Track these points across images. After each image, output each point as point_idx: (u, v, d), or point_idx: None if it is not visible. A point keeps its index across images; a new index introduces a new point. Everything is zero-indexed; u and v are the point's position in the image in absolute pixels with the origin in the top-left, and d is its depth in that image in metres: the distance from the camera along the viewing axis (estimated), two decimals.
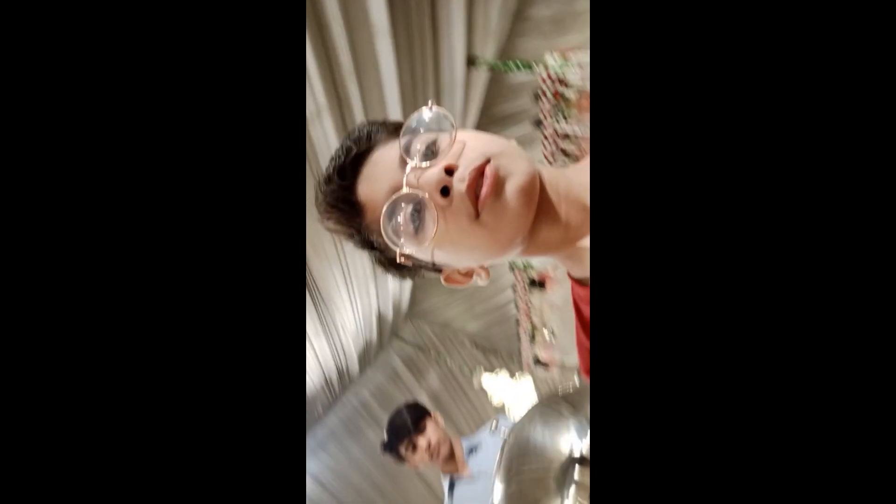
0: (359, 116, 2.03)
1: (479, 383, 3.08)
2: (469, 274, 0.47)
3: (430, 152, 0.40)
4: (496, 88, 3.02)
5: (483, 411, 3.61)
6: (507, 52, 2.92)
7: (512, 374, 3.07)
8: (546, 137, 2.79)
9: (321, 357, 2.66)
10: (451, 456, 1.20)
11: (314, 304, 2.24)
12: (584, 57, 2.64)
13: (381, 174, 0.41)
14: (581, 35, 3.05)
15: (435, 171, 0.39)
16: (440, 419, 1.28)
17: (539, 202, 0.40)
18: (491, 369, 3.21)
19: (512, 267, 3.01)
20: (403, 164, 0.40)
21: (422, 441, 1.20)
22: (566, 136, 2.79)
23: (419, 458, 1.20)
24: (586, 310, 0.46)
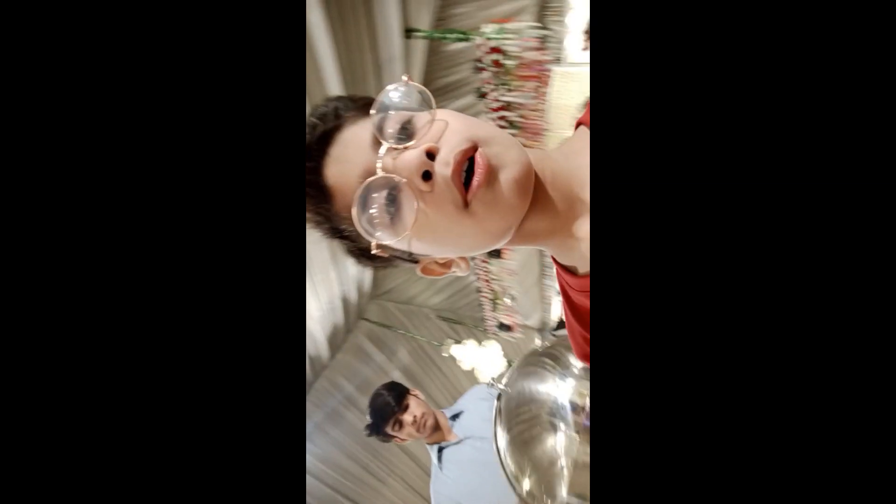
0: None
1: (449, 353, 3.23)
2: (448, 264, 0.44)
3: (406, 132, 0.36)
4: (435, 60, 3.02)
5: (456, 380, 3.80)
6: (442, 22, 2.90)
7: (479, 341, 3.25)
8: (490, 109, 2.85)
9: None
10: (437, 426, 1.29)
11: None
12: (521, 25, 2.70)
13: (352, 156, 0.37)
14: (514, 3, 3.09)
15: (415, 154, 0.35)
16: (420, 394, 1.36)
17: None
18: (459, 339, 3.36)
19: None
20: (377, 144, 0.36)
21: (407, 417, 1.26)
22: (509, 106, 2.87)
23: (406, 433, 1.27)
24: (575, 296, 0.43)
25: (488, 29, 2.64)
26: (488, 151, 0.35)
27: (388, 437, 1.31)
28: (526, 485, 0.56)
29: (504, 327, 3.77)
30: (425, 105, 0.37)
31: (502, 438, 0.59)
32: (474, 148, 0.35)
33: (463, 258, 0.44)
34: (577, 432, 0.52)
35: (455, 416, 1.33)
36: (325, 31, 2.03)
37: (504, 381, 0.64)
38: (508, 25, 2.62)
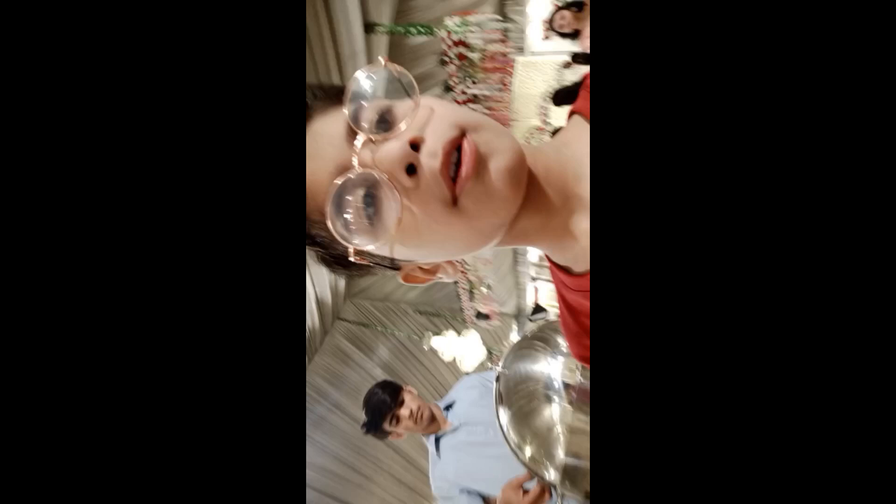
0: None
1: (430, 346, 3.31)
2: (433, 270, 0.40)
3: (385, 122, 0.33)
4: (398, 54, 3.04)
5: (437, 372, 3.89)
6: (403, 15, 2.93)
7: (458, 332, 3.35)
8: (457, 102, 2.92)
9: None
10: (433, 418, 1.37)
11: None
12: (482, 17, 2.77)
13: (323, 150, 0.33)
14: None
15: (396, 146, 0.31)
16: (413, 389, 1.43)
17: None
18: (438, 331, 3.44)
19: None
20: (352, 136, 0.32)
21: (404, 412, 1.32)
22: (475, 98, 2.94)
23: (403, 427, 1.33)
24: (571, 296, 0.41)
25: (451, 22, 2.70)
26: (477, 138, 0.32)
27: (385, 434, 1.38)
28: (528, 451, 0.64)
29: (482, 316, 3.89)
30: (406, 91, 0.33)
31: (504, 415, 0.67)
32: (462, 135, 0.32)
33: (450, 262, 0.41)
34: (570, 403, 0.61)
35: (448, 407, 1.41)
36: None
37: (500, 364, 0.73)
38: (471, 18, 2.69)
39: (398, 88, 0.34)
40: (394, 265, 0.38)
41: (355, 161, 0.32)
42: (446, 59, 2.85)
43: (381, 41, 2.88)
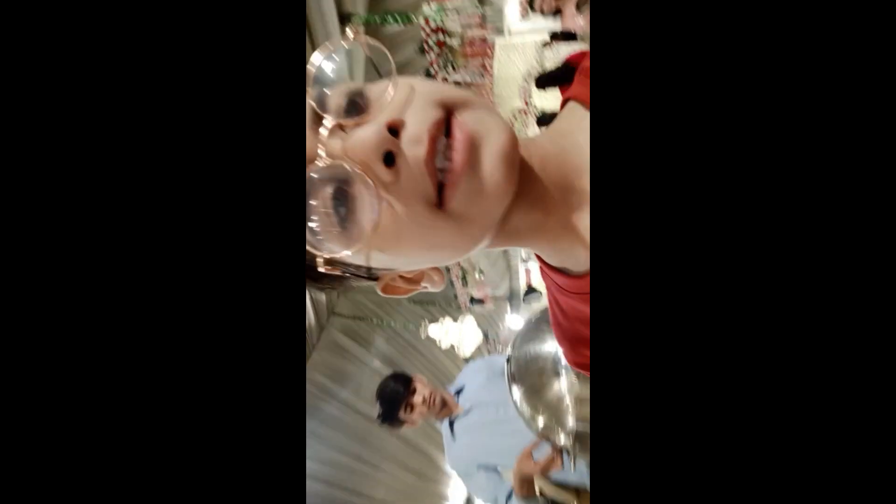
0: None
1: (426, 335, 3.41)
2: (417, 279, 0.36)
3: (356, 106, 0.29)
4: None
5: (436, 360, 4.01)
6: (379, 4, 2.93)
7: (454, 318, 3.45)
8: None
9: None
10: (444, 403, 1.47)
11: None
12: (460, 2, 2.79)
13: None
14: None
15: (371, 131, 0.27)
16: (423, 378, 1.53)
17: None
18: (434, 319, 3.54)
19: None
20: (317, 123, 0.28)
21: (417, 398, 1.42)
22: (458, 85, 2.98)
23: (417, 414, 1.43)
24: (567, 300, 0.38)
25: (428, 8, 2.72)
26: (467, 118, 0.28)
27: (400, 423, 1.47)
28: (540, 422, 0.74)
29: (476, 301, 4.00)
30: (377, 71, 0.30)
31: (517, 392, 0.76)
32: (449, 115, 0.28)
33: (436, 269, 0.36)
34: (577, 375, 0.71)
35: (458, 392, 1.51)
36: None
37: (510, 349, 0.82)
38: (448, 3, 2.71)
39: (370, 68, 0.30)
40: (371, 275, 0.34)
41: (322, 152, 0.27)
42: (426, 46, 2.88)
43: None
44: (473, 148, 0.27)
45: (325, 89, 0.29)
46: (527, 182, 0.31)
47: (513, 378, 0.78)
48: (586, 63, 0.37)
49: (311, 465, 3.29)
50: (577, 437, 0.71)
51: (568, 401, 0.71)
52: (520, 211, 0.31)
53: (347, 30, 0.31)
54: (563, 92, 0.39)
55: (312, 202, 0.28)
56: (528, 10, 2.55)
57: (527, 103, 3.27)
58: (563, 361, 0.73)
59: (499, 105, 3.29)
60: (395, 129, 0.27)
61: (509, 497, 1.30)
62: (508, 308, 4.17)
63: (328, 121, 0.28)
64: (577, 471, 0.96)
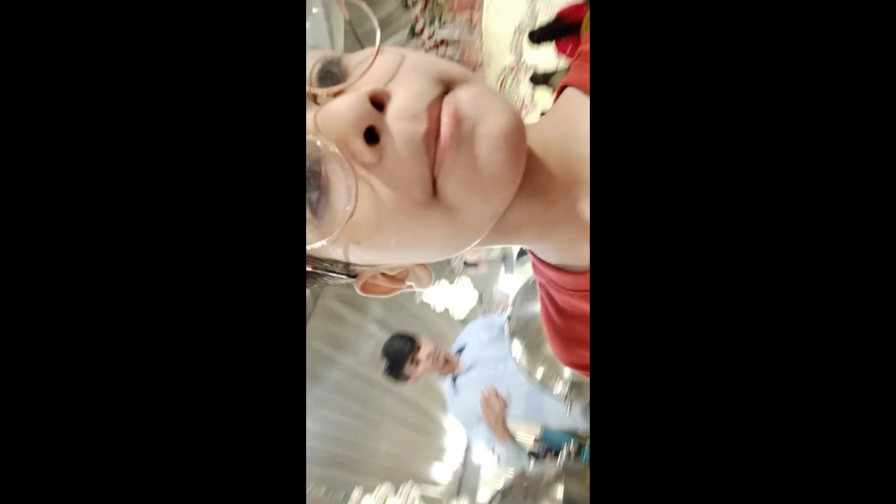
0: None
1: (421, 300, 3.50)
2: (400, 277, 0.34)
3: (331, 75, 0.26)
4: None
5: (431, 322, 4.12)
6: None
7: (450, 281, 3.54)
8: (424, 46, 2.86)
9: None
10: (447, 360, 1.59)
11: None
12: None
13: None
14: None
15: (350, 101, 0.24)
16: (426, 338, 1.64)
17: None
18: None
19: None
20: None
21: (423, 353, 1.56)
22: (444, 43, 2.89)
23: (422, 369, 1.57)
24: (564, 298, 0.36)
25: None
26: (462, 95, 0.25)
27: (405, 377, 1.59)
28: (539, 373, 0.82)
29: (470, 265, 4.09)
30: (357, 38, 0.24)
31: (517, 348, 0.84)
32: (446, 91, 0.25)
33: (423, 266, 0.34)
34: None
35: (459, 350, 1.63)
36: None
37: (509, 309, 0.90)
38: None
39: (347, 30, 0.24)
40: (349, 272, 0.31)
41: None
42: (410, 1, 2.78)
43: None
44: (459, 123, 0.24)
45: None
46: (527, 171, 0.28)
47: (513, 335, 0.85)
48: (585, 48, 0.37)
49: (315, 427, 3.45)
50: (572, 385, 0.80)
51: None
52: (519, 203, 0.28)
53: None
54: (558, 47, 0.37)
55: None
56: None
57: (518, 60, 3.21)
58: None
59: (489, 66, 3.22)
60: (379, 102, 0.25)
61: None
62: (502, 269, 4.27)
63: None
64: (572, 415, 1.07)
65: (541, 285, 0.39)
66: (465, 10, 2.89)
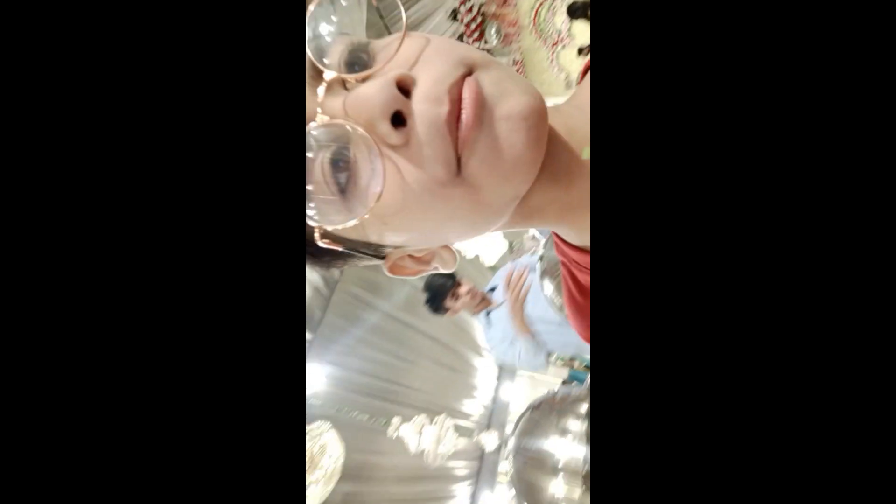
0: None
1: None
2: (427, 259, 0.35)
3: (359, 61, 0.27)
4: None
5: (461, 269, 4.32)
6: None
7: None
8: (466, 27, 2.61)
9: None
10: (483, 297, 1.78)
11: None
12: None
13: None
14: None
15: (378, 85, 0.25)
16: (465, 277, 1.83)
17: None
18: None
19: None
20: (317, 78, 0.27)
21: (463, 289, 1.76)
22: (483, 16, 2.64)
23: (461, 303, 1.78)
24: (584, 277, 0.38)
25: None
26: (483, 77, 0.27)
27: (444, 310, 1.80)
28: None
29: None
30: (384, 23, 0.26)
31: (549, 286, 0.99)
32: (469, 74, 0.27)
33: (447, 248, 0.35)
34: None
35: (492, 290, 1.82)
36: None
37: (541, 249, 1.03)
38: None
39: (375, 18, 0.26)
40: (377, 252, 0.32)
41: (320, 111, 0.26)
42: None
43: None
44: (481, 104, 0.26)
45: (325, 38, 0.27)
46: (549, 153, 0.29)
47: (544, 274, 1.00)
48: None
49: (356, 363, 3.80)
50: None
51: None
52: (541, 185, 0.30)
53: None
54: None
55: (310, 168, 0.26)
56: None
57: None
58: None
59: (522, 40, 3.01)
60: (405, 87, 0.26)
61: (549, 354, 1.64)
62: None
63: (328, 75, 0.26)
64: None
65: (563, 264, 0.40)
66: None
